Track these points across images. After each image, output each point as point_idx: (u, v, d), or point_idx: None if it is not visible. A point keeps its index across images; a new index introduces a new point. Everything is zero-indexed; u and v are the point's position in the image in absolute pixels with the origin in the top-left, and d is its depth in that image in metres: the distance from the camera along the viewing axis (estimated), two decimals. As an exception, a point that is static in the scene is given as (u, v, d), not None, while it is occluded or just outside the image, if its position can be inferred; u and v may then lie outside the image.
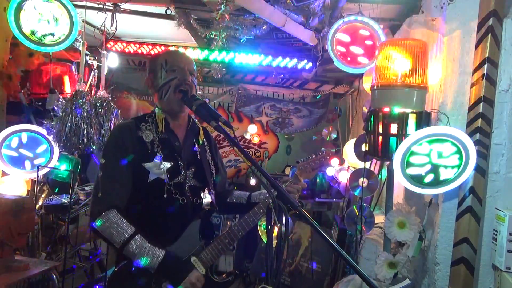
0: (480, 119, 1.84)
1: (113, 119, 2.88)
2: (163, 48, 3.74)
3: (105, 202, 1.67)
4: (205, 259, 1.74)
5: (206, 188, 1.87)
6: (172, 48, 3.75)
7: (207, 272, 1.74)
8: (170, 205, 1.74)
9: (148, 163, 1.72)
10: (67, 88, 3.39)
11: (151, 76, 1.84)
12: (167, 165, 1.75)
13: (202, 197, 1.84)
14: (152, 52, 3.72)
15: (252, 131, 4.99)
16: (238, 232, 1.77)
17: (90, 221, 1.67)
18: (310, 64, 3.71)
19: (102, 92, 2.94)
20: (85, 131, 2.74)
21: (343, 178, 3.26)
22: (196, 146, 1.89)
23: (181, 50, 3.66)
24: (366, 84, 2.63)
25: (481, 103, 1.84)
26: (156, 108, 1.84)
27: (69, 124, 2.72)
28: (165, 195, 1.72)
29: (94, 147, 2.85)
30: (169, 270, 1.64)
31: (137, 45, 3.72)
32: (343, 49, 2.51)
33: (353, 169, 2.49)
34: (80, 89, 2.83)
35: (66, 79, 3.41)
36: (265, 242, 1.30)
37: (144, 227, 1.68)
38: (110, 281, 1.74)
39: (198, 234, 1.76)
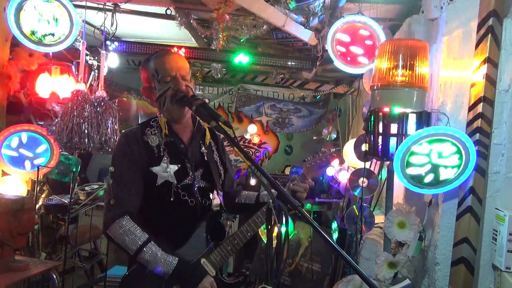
0: (480, 119, 1.84)
1: (112, 119, 2.88)
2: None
3: (118, 208, 1.67)
4: (214, 260, 1.73)
5: (215, 189, 1.87)
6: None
7: (217, 273, 1.74)
8: (179, 207, 1.74)
9: (156, 167, 1.73)
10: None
11: (146, 86, 1.84)
12: (174, 167, 1.75)
13: (211, 198, 1.84)
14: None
15: (252, 131, 4.99)
16: (247, 233, 1.76)
17: (104, 228, 1.68)
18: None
19: (100, 92, 2.94)
20: (86, 131, 2.74)
21: (343, 178, 3.26)
22: (203, 147, 1.88)
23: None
24: (366, 84, 2.63)
25: (481, 103, 1.84)
26: (158, 113, 1.84)
27: (71, 124, 2.72)
28: (172, 198, 1.73)
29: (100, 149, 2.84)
30: (182, 277, 1.64)
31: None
32: (343, 49, 2.51)
33: (353, 169, 2.49)
34: (80, 89, 2.83)
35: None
36: (265, 242, 1.30)
37: (155, 230, 1.68)
38: (122, 284, 1.74)
39: (207, 236, 1.76)
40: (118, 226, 1.64)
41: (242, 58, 3.63)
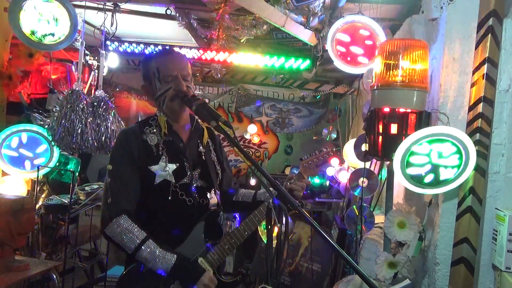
0: (480, 119, 1.84)
1: (111, 118, 2.87)
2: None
3: (115, 207, 1.67)
4: (212, 259, 1.74)
5: (212, 189, 1.87)
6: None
7: (215, 273, 1.74)
8: (177, 206, 1.74)
9: (154, 165, 1.73)
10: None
11: (146, 84, 1.84)
12: (173, 166, 1.75)
13: (209, 197, 1.84)
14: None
15: (252, 131, 4.99)
16: (244, 232, 1.77)
17: (102, 228, 1.68)
18: (308, 62, 3.72)
19: (100, 92, 2.93)
20: (80, 130, 2.73)
21: (343, 178, 3.26)
22: (201, 147, 1.88)
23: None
24: (367, 83, 2.63)
25: (481, 103, 1.84)
26: (158, 112, 1.84)
27: (63, 121, 2.71)
28: (170, 197, 1.73)
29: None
30: (181, 274, 1.65)
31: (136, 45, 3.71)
32: (343, 49, 2.51)
33: (353, 169, 2.49)
34: (77, 88, 2.82)
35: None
36: (265, 242, 1.31)
37: (152, 229, 1.68)
38: (119, 283, 1.74)
39: (204, 235, 1.76)
40: (116, 225, 1.64)
41: (242, 58, 3.63)
